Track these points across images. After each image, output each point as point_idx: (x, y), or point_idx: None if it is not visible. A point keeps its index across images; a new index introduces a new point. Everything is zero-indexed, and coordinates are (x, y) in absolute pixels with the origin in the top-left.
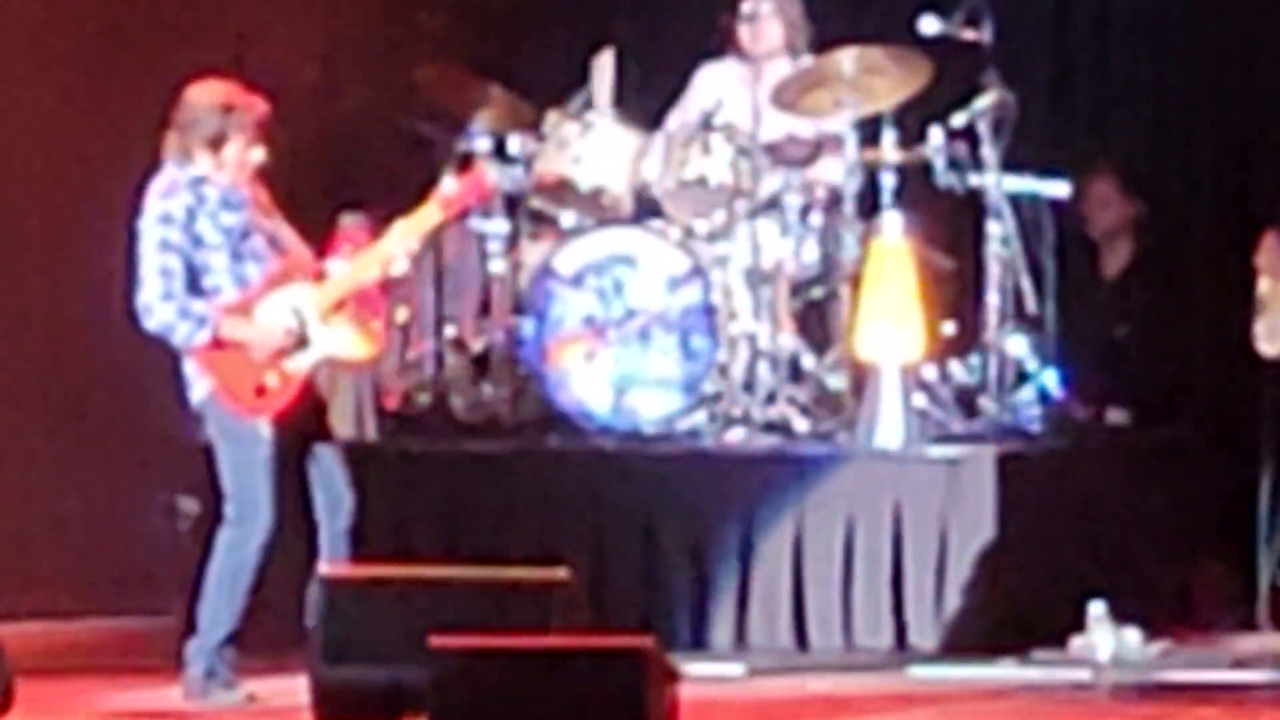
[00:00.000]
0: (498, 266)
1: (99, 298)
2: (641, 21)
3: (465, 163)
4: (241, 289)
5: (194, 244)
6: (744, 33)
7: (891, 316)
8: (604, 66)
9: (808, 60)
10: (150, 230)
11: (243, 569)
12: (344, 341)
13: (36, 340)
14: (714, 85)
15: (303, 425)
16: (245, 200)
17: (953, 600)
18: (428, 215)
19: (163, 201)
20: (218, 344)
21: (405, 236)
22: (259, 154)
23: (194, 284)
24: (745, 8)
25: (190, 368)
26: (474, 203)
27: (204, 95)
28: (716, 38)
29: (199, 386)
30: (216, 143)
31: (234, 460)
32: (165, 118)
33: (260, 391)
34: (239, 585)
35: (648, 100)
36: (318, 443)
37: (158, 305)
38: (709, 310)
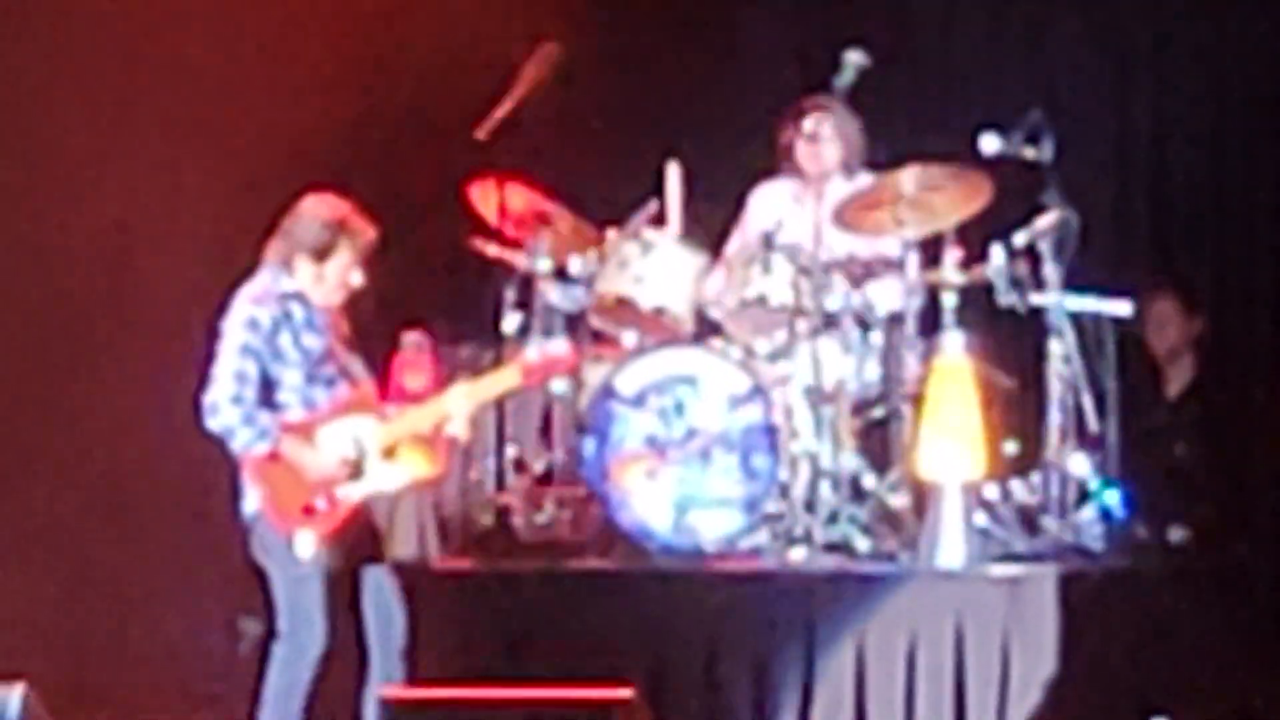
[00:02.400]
0: (559, 386)
1: (167, 407)
2: (699, 141)
3: (527, 283)
4: (308, 410)
5: (273, 356)
6: (802, 151)
7: (953, 435)
8: (673, 177)
9: (865, 178)
10: (234, 331)
11: (296, 685)
12: (398, 478)
13: (100, 454)
14: (772, 204)
15: (354, 546)
16: (329, 325)
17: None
18: (506, 378)
19: (252, 306)
20: (274, 458)
21: (459, 404)
22: (358, 277)
23: (264, 395)
24: (806, 126)
25: (244, 477)
26: (555, 374)
27: (320, 207)
28: (774, 156)
29: (250, 498)
30: (322, 255)
31: (281, 576)
32: (272, 224)
33: (308, 511)
34: (293, 702)
35: (707, 219)
36: (370, 564)
37: (225, 406)
38: (770, 429)
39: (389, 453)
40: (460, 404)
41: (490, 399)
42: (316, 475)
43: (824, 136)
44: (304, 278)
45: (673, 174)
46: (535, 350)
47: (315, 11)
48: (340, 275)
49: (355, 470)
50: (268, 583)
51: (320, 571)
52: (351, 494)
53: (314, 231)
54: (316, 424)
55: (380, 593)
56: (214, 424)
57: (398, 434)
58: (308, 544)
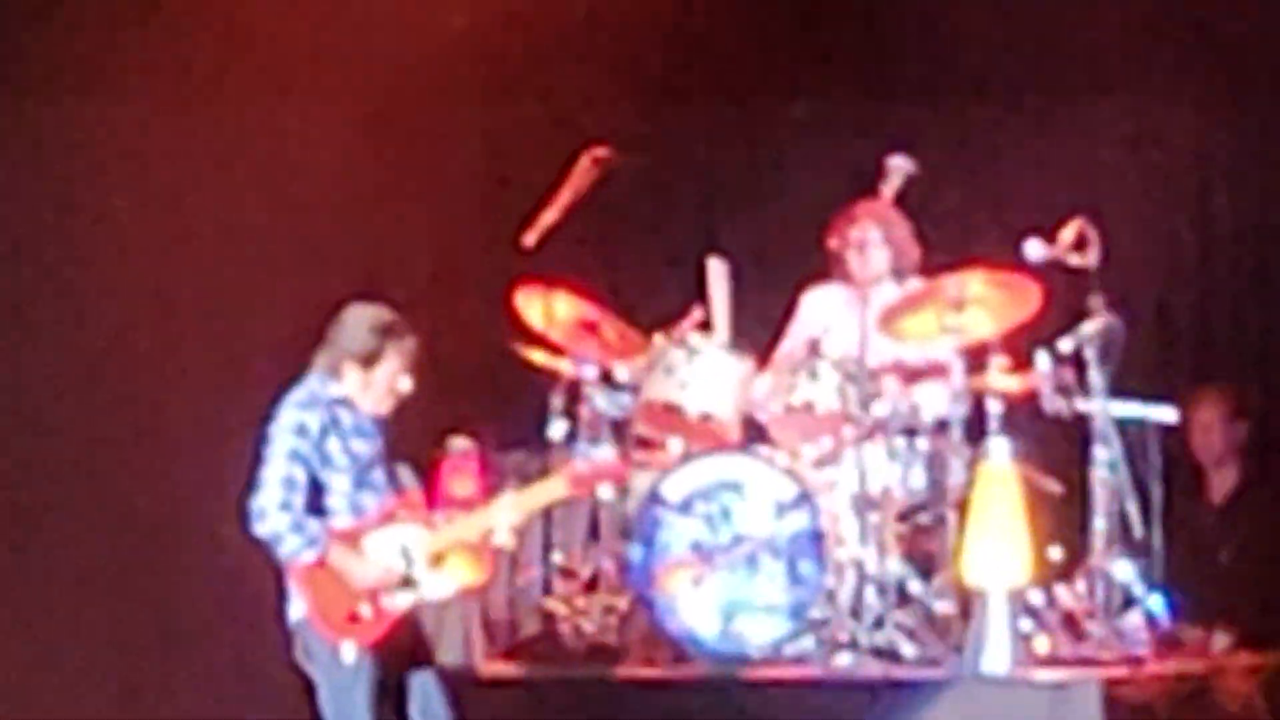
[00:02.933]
0: (606, 493)
1: (214, 513)
2: (746, 248)
3: (573, 389)
4: (356, 516)
5: (321, 462)
6: (852, 258)
7: (999, 541)
8: (716, 274)
9: (915, 284)
10: (282, 437)
11: None
12: (445, 587)
13: (146, 560)
14: (822, 309)
15: (401, 653)
16: (377, 431)
17: None
18: (553, 488)
19: (300, 412)
20: (320, 565)
21: (531, 501)
22: (407, 383)
23: (312, 501)
24: (854, 234)
25: (290, 584)
26: (603, 483)
27: (365, 314)
28: (824, 261)
29: (296, 604)
30: (369, 362)
31: (327, 683)
32: (319, 332)
33: (353, 619)
34: None
35: (755, 325)
36: (416, 670)
37: (273, 512)
38: (816, 536)
39: (436, 560)
40: (507, 515)
41: (538, 508)
42: (363, 583)
43: (874, 242)
44: (352, 384)
45: (715, 271)
46: (583, 460)
47: (364, 118)
48: (388, 382)
49: (402, 578)
50: (313, 690)
51: (366, 679)
52: (398, 602)
53: (361, 338)
54: (363, 531)
55: (427, 699)
56: (261, 530)
57: (444, 542)
58: (352, 652)
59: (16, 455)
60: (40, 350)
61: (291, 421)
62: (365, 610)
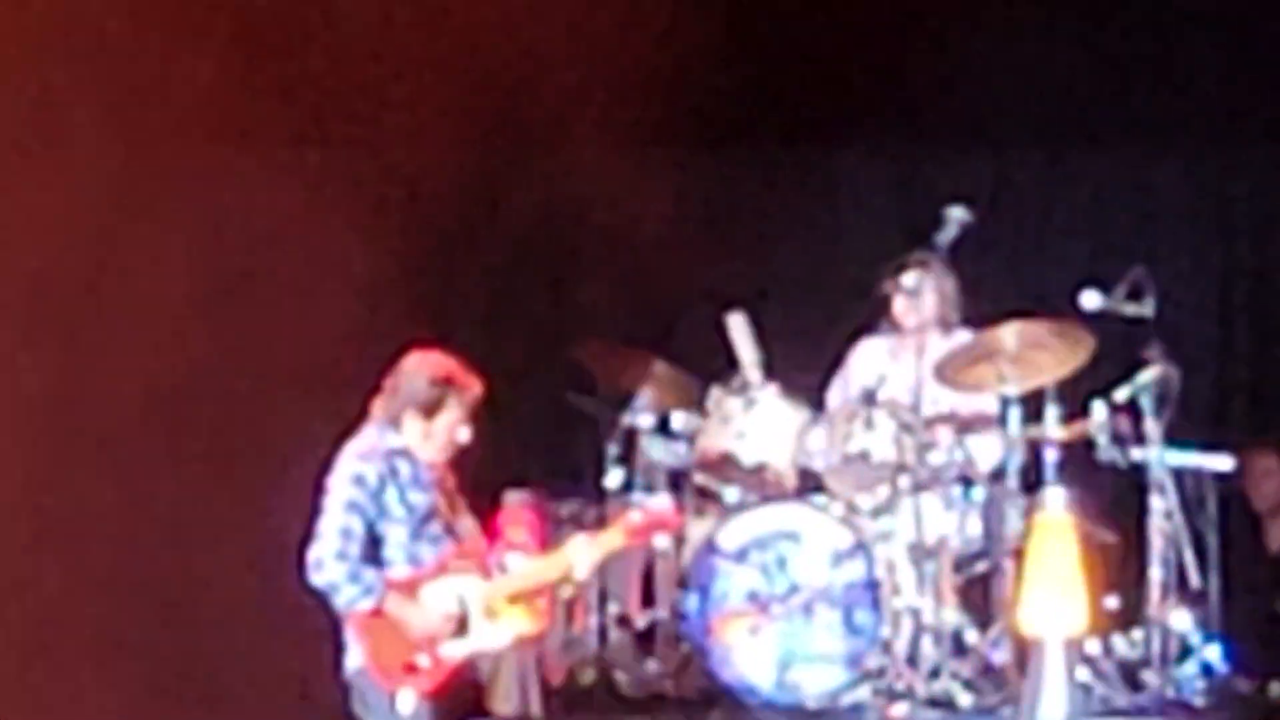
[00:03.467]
0: (662, 542)
1: (272, 564)
2: (798, 297)
3: (629, 438)
4: (414, 567)
5: (379, 513)
6: (900, 306)
7: (1055, 591)
8: (738, 327)
9: (963, 334)
10: (340, 488)
11: None
12: (502, 637)
13: (202, 609)
14: (873, 360)
15: (457, 703)
16: (435, 481)
17: None
18: (610, 539)
19: (359, 463)
20: (377, 614)
21: (579, 556)
22: (466, 433)
23: (369, 551)
24: (905, 281)
25: (347, 633)
26: (659, 533)
27: (424, 364)
28: (873, 311)
29: (353, 654)
30: (430, 412)
31: None
32: (378, 382)
33: (410, 669)
34: None
35: (809, 375)
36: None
37: (330, 562)
38: (872, 585)
39: (492, 611)
40: (585, 552)
41: (598, 559)
42: (420, 633)
43: (922, 292)
44: (412, 435)
45: (736, 325)
46: (639, 511)
47: (426, 164)
48: (448, 432)
49: (459, 628)
50: None
51: None
52: (455, 652)
53: (422, 388)
54: (421, 581)
55: None
56: (318, 580)
57: (503, 592)
58: (409, 701)
59: (71, 495)
60: (102, 395)
61: (350, 472)
62: (423, 660)
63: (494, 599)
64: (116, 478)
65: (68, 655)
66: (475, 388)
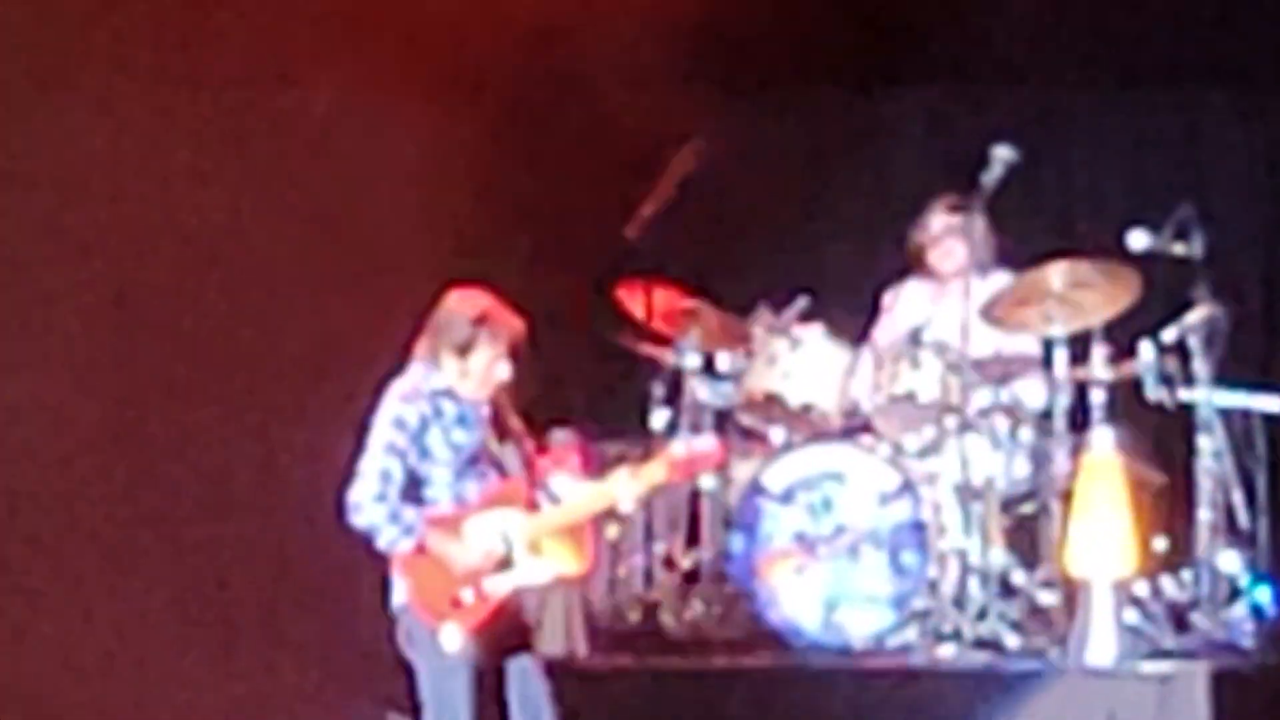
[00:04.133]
0: (707, 483)
1: (317, 500)
2: (847, 236)
3: (675, 379)
4: (458, 504)
5: (421, 455)
6: (932, 251)
7: (1103, 532)
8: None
9: (1000, 277)
10: (381, 430)
11: None
12: (545, 572)
13: (247, 548)
14: (918, 301)
15: (502, 639)
16: (482, 420)
17: None
18: (652, 472)
19: (401, 404)
20: (420, 551)
21: (623, 487)
22: (504, 370)
23: (411, 492)
24: (935, 226)
25: (392, 571)
26: (702, 470)
27: (461, 303)
28: (907, 257)
29: (398, 591)
30: (464, 350)
31: (428, 669)
32: (421, 320)
33: (455, 604)
34: None
35: (853, 316)
36: (517, 656)
37: (369, 505)
38: (919, 526)
39: (537, 546)
40: (629, 484)
41: (645, 491)
42: (463, 568)
43: (953, 236)
44: (450, 373)
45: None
46: (682, 445)
47: (465, 110)
48: (484, 370)
49: (503, 563)
50: (414, 676)
51: (467, 664)
52: (499, 587)
53: (457, 327)
54: (464, 517)
55: (527, 686)
56: (358, 521)
57: (547, 527)
58: (454, 637)
59: (117, 438)
60: (138, 335)
61: (391, 415)
62: (467, 595)
63: (538, 534)
64: (163, 417)
65: (116, 595)
66: (512, 325)
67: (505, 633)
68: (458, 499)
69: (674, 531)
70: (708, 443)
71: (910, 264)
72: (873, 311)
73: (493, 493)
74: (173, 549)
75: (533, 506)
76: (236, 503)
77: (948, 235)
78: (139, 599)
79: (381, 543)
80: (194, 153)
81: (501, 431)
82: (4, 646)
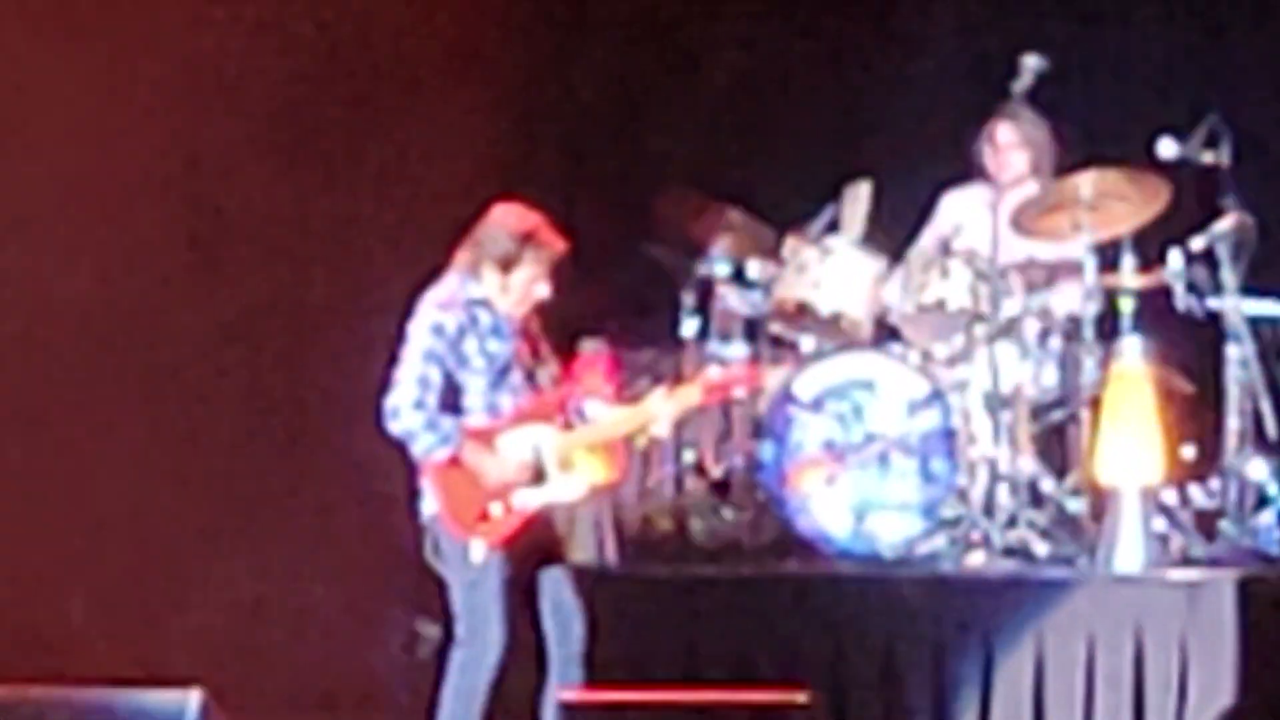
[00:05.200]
0: (737, 391)
1: (350, 410)
2: (885, 147)
3: (706, 287)
4: (492, 416)
5: (458, 362)
6: (990, 160)
7: (1131, 440)
8: (859, 197)
9: (1046, 185)
10: (419, 337)
11: (475, 691)
12: (576, 488)
13: (281, 457)
14: (956, 210)
15: (532, 550)
16: (516, 332)
17: None
18: (688, 395)
19: (439, 312)
20: (453, 463)
21: (659, 409)
22: (544, 289)
23: (447, 400)
24: (993, 134)
25: (423, 482)
26: (738, 392)
27: (508, 218)
28: (965, 164)
29: (428, 502)
30: (507, 265)
31: (458, 581)
32: (463, 230)
33: (483, 517)
34: (472, 707)
35: (890, 226)
36: (548, 567)
37: (407, 411)
38: (948, 434)
39: (568, 461)
40: (664, 406)
41: (678, 413)
42: (495, 482)
43: (1011, 143)
44: (490, 286)
45: (860, 192)
46: (718, 368)
47: (503, 23)
48: (525, 287)
49: (535, 477)
50: (444, 587)
51: (496, 576)
52: (530, 501)
53: (502, 242)
54: (498, 431)
55: (559, 596)
56: (396, 428)
57: (580, 443)
58: (481, 550)
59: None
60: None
61: (429, 321)
62: (496, 509)
63: (570, 450)
64: (200, 321)
65: (148, 500)
66: (556, 245)
67: (534, 546)
68: (491, 410)
69: (704, 440)
70: (742, 367)
71: (970, 170)
72: (917, 222)
73: (526, 408)
74: (207, 453)
75: (566, 424)
76: (272, 407)
77: (1010, 143)
78: (172, 503)
79: (418, 450)
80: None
81: (533, 348)
82: (35, 549)
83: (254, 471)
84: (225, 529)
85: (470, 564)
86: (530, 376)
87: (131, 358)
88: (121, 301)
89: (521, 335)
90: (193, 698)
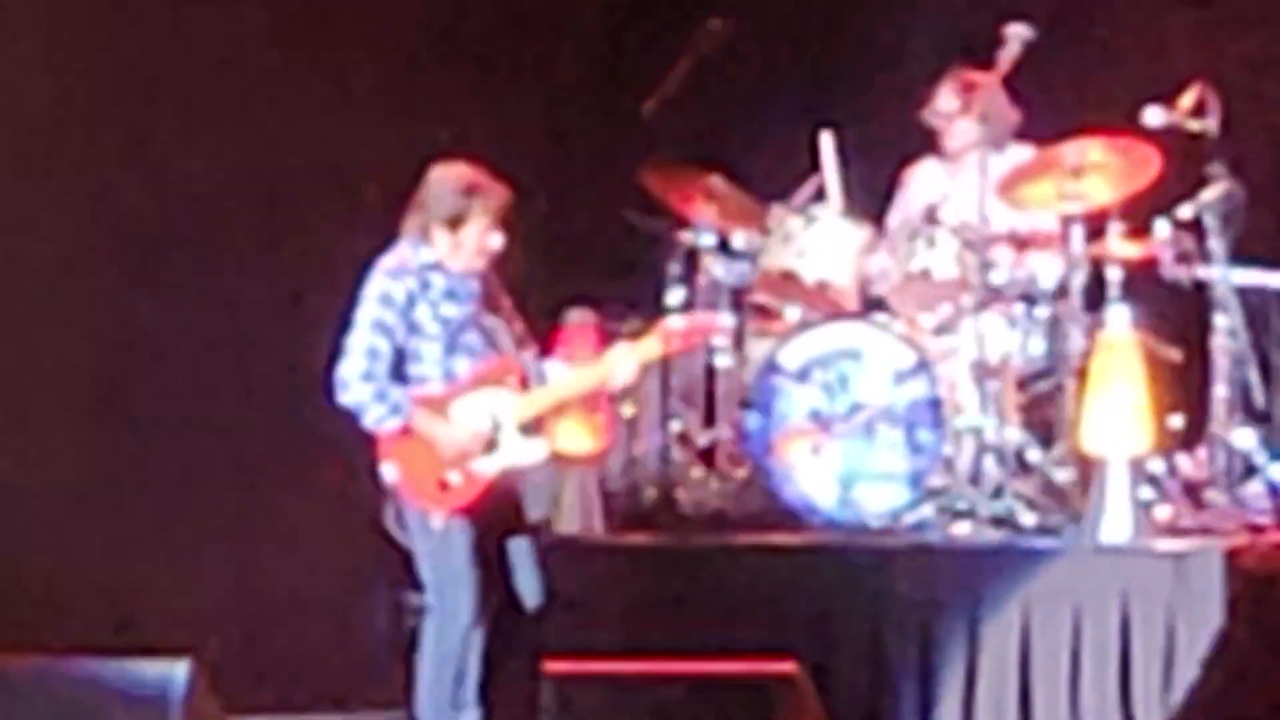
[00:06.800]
0: (723, 360)
1: (302, 378)
2: (863, 116)
3: (691, 257)
4: (448, 382)
5: (409, 330)
6: (945, 128)
7: (1118, 410)
8: (827, 147)
9: (1019, 152)
10: (368, 307)
11: (448, 658)
12: (535, 452)
13: (270, 426)
14: (932, 179)
15: (493, 517)
16: (472, 294)
17: (1181, 695)
18: (648, 346)
19: (388, 280)
20: (407, 432)
21: (619, 363)
22: (497, 239)
23: (400, 369)
24: (941, 105)
25: (380, 453)
26: (697, 342)
27: (447, 175)
28: (923, 135)
29: (387, 473)
30: (455, 223)
31: (422, 550)
32: (406, 195)
33: (442, 486)
34: (445, 674)
35: (870, 195)
36: (510, 536)
37: (355, 383)
38: (935, 404)
39: (528, 424)
40: (624, 359)
41: (642, 365)
42: (450, 449)
43: (961, 115)
44: (442, 247)
45: (826, 144)
46: (677, 319)
47: None
48: (477, 240)
49: (490, 444)
50: (412, 557)
51: (463, 543)
52: (487, 468)
53: (446, 200)
54: (452, 397)
55: (519, 565)
56: (345, 399)
57: (539, 406)
58: (441, 518)
59: (101, 311)
60: (136, 209)
61: (377, 290)
62: (454, 477)
63: (530, 412)
64: (151, 290)
65: (105, 468)
66: (500, 193)
67: (496, 511)
68: (448, 375)
69: (690, 410)
70: (700, 316)
71: (926, 141)
72: (888, 191)
73: (482, 371)
74: (179, 433)
75: (524, 385)
76: (247, 385)
77: (956, 114)
78: (151, 481)
79: (368, 420)
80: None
81: (493, 306)
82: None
83: (245, 441)
84: (213, 502)
85: (431, 532)
86: (489, 336)
87: (108, 338)
88: (79, 279)
89: (481, 295)
90: (180, 668)
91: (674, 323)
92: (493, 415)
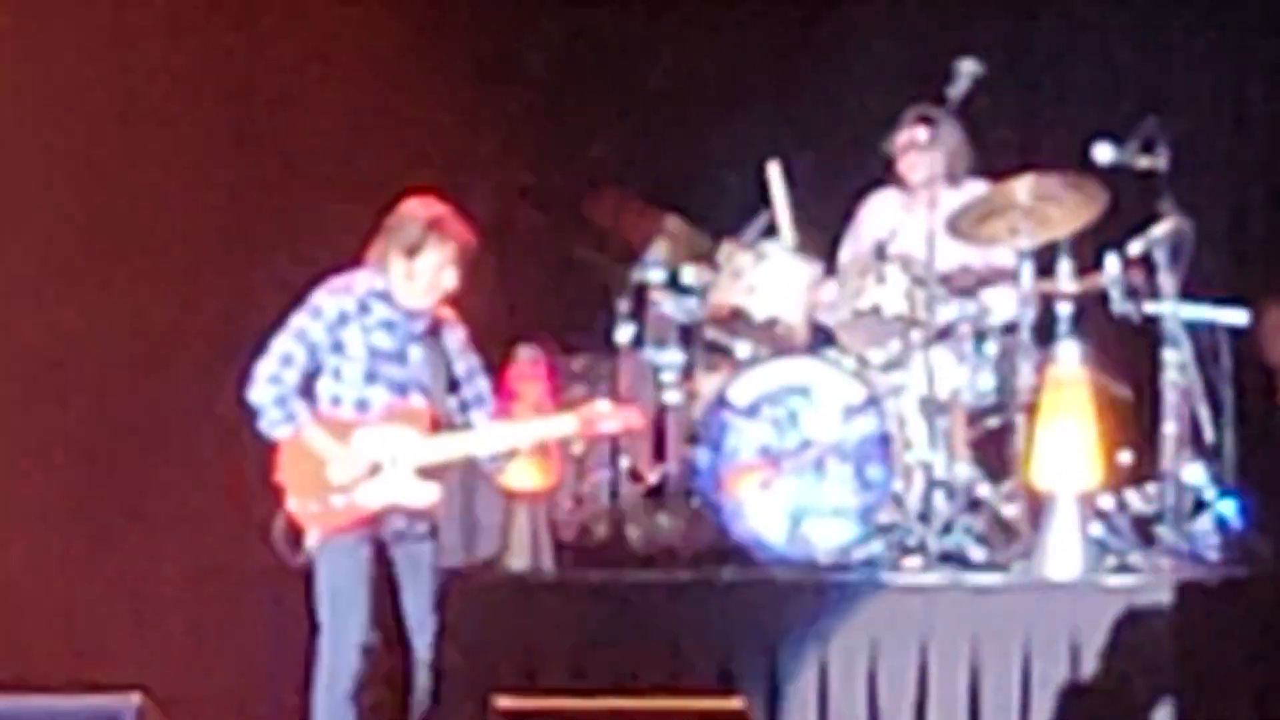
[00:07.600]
0: (672, 397)
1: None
2: (811, 151)
3: (640, 293)
4: (359, 410)
5: (333, 347)
6: (905, 161)
7: (1068, 445)
8: (775, 177)
9: (975, 187)
10: (298, 315)
11: (338, 678)
12: (424, 497)
13: (219, 453)
14: (883, 214)
15: (396, 545)
16: (412, 333)
17: None
18: (563, 424)
19: (325, 295)
20: (300, 447)
21: (526, 434)
22: (451, 278)
23: (314, 383)
24: (907, 136)
25: (277, 462)
26: (615, 433)
27: (415, 207)
28: (880, 167)
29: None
30: (412, 251)
31: (301, 567)
32: (376, 222)
33: (323, 506)
34: (336, 692)
35: (819, 231)
36: (416, 568)
37: (261, 383)
38: (884, 440)
39: (426, 469)
40: (532, 431)
41: (544, 441)
42: (339, 473)
43: (927, 147)
44: (396, 275)
45: (775, 175)
46: (604, 404)
47: (438, 25)
48: (431, 275)
49: (381, 477)
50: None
51: (349, 565)
52: (370, 500)
53: (408, 229)
54: (358, 425)
55: (418, 600)
56: (250, 396)
57: (443, 454)
58: (315, 538)
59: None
60: (82, 211)
61: (311, 302)
62: (338, 500)
63: (430, 459)
64: (87, 298)
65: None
66: (462, 234)
67: (396, 538)
68: (361, 404)
69: (640, 445)
70: (626, 410)
71: (883, 175)
72: (840, 226)
73: (397, 408)
74: (142, 460)
75: (435, 429)
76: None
77: (914, 147)
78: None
79: (263, 423)
80: (158, 42)
81: (446, 340)
82: None
83: (202, 472)
84: (163, 531)
85: (306, 551)
86: (419, 383)
87: (37, 353)
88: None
89: (424, 334)
90: (132, 702)
91: (601, 408)
92: (392, 453)
